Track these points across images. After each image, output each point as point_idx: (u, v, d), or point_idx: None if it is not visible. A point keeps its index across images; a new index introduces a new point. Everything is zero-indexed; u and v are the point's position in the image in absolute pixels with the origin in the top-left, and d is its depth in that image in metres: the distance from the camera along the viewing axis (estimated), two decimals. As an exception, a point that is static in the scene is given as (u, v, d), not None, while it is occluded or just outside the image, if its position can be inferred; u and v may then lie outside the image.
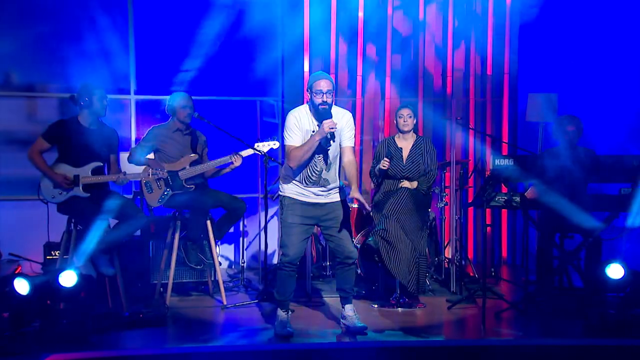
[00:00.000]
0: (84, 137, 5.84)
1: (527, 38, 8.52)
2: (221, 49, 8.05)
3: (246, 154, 6.26)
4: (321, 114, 5.07)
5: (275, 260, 7.90)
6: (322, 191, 5.24)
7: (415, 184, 6.40)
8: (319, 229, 5.48)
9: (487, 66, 8.52)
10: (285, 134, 5.19)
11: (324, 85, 5.09)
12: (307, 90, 5.18)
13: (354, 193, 5.20)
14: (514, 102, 8.54)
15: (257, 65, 8.13)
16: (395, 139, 6.60)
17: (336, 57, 8.27)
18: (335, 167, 5.29)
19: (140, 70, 7.95)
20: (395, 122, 6.58)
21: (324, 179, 5.20)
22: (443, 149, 8.38)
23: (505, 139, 8.40)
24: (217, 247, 7.01)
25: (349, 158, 5.30)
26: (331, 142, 5.10)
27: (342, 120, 5.24)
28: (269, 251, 7.46)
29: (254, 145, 6.27)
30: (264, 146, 6.25)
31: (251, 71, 8.13)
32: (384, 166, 6.31)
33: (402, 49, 8.42)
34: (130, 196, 7.18)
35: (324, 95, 5.07)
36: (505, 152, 8.20)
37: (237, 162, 6.18)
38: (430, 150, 6.51)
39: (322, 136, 5.01)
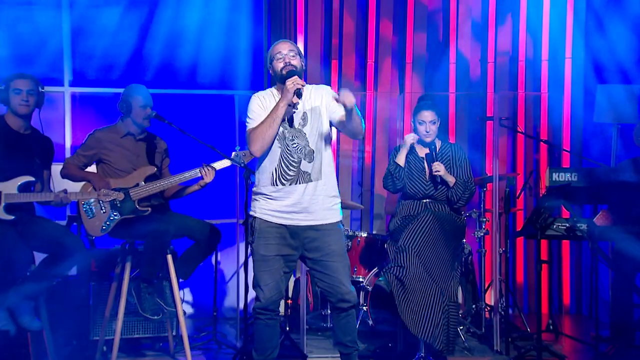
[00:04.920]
0: (13, 143, 5.82)
1: (596, 10, 8.49)
2: (185, 27, 8.02)
3: (220, 166, 6.21)
4: (286, 78, 5.04)
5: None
6: (303, 197, 5.12)
7: (451, 180, 6.35)
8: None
9: (542, 48, 8.51)
10: (247, 119, 5.18)
11: (283, 46, 5.15)
12: (268, 65, 5.23)
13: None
14: (578, 97, 8.51)
15: (233, 48, 8.11)
16: (415, 145, 6.56)
17: (340, 37, 8.26)
18: (321, 159, 5.17)
19: (78, 55, 7.92)
20: (412, 126, 6.53)
21: (304, 172, 5.10)
22: (482, 160, 8.35)
23: (566, 146, 8.38)
24: (181, 291, 6.94)
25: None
26: (296, 108, 5.06)
27: (318, 96, 5.19)
28: (250, 295, 7.40)
29: (230, 154, 6.21)
30: (244, 155, 6.20)
31: (226, 56, 8.11)
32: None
33: (428, 26, 8.41)
34: (64, 222, 7.12)
35: (286, 56, 5.11)
36: (566, 163, 8.17)
37: (208, 177, 6.14)
38: (462, 159, 6.48)
39: (288, 99, 4.97)
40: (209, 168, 6.15)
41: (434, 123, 6.39)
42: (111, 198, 5.87)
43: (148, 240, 6.15)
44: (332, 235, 5.17)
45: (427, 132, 6.39)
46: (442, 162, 6.38)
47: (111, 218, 6.09)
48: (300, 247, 5.15)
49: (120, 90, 6.28)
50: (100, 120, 7.40)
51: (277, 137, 5.05)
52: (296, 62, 5.09)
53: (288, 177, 5.08)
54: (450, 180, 6.33)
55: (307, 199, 5.10)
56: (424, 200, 6.41)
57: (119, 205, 6.07)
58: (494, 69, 8.48)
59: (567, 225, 5.95)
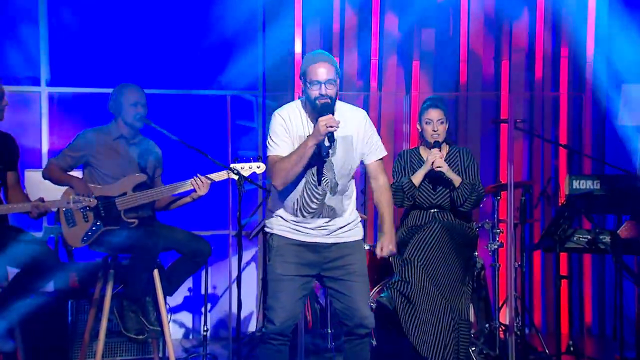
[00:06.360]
0: None
1: (620, 4, 8.45)
2: (173, 21, 8.01)
3: (218, 179, 6.19)
4: (320, 110, 4.97)
5: (252, 326, 7.86)
6: (328, 224, 5.12)
7: (457, 179, 6.30)
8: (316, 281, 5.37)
9: (561, 46, 8.50)
10: (269, 140, 5.10)
11: (322, 71, 5.00)
12: (300, 78, 5.12)
13: (385, 239, 5.17)
14: (600, 98, 8.49)
15: (225, 44, 8.10)
16: (421, 151, 6.55)
17: (341, 32, 8.25)
18: (347, 191, 5.21)
19: (57, 52, 7.91)
20: (419, 127, 6.51)
21: (328, 207, 5.11)
22: (496, 166, 8.33)
23: (587, 151, 8.36)
24: (168, 308, 6.90)
25: (378, 180, 5.28)
26: (330, 149, 5.03)
27: (353, 124, 5.16)
28: (244, 313, 7.37)
29: (223, 160, 6.18)
30: (242, 169, 6.17)
31: (218, 53, 8.11)
32: (438, 167, 6.19)
33: (437, 20, 8.41)
34: (40, 233, 7.08)
35: (323, 86, 4.98)
36: (587, 169, 8.13)
37: (202, 190, 6.13)
38: (470, 162, 6.49)
39: (318, 140, 4.92)
40: (203, 180, 6.11)
41: (442, 123, 6.37)
42: (82, 205, 5.81)
43: (135, 255, 6.15)
44: (355, 253, 5.21)
45: (434, 131, 6.36)
46: (450, 168, 6.35)
47: (93, 228, 6.08)
48: (319, 266, 5.15)
49: (103, 90, 6.27)
50: (81, 123, 7.37)
51: None
52: (332, 91, 5.00)
53: (310, 209, 5.09)
54: (455, 179, 6.30)
55: (330, 228, 5.14)
56: (432, 210, 6.39)
57: (103, 214, 6.05)
58: (508, 68, 8.46)
59: (589, 237, 5.92)
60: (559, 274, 8.16)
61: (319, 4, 8.17)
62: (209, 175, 6.11)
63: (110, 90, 6.33)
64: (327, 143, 4.94)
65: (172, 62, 8.03)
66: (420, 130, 6.49)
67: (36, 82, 7.86)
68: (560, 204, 7.74)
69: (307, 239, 5.12)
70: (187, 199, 6.29)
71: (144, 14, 7.94)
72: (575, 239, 5.98)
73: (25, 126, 7.67)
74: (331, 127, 4.85)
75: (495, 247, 7.07)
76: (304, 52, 8.04)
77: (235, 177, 6.08)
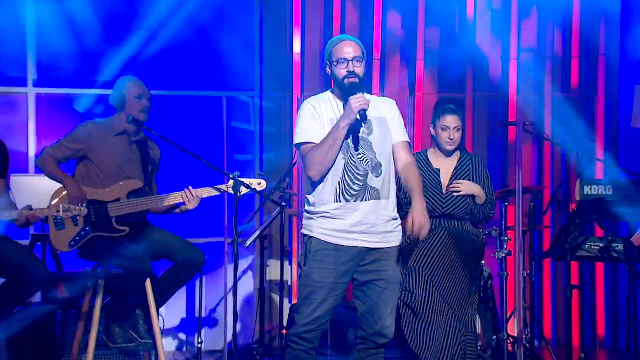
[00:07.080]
0: None
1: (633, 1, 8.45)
2: (168, 21, 7.98)
3: (210, 194, 6.16)
4: (349, 91, 4.99)
5: (249, 338, 7.87)
6: (373, 218, 5.05)
7: (482, 196, 6.26)
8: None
9: (572, 44, 8.48)
10: (298, 129, 5.11)
11: (348, 50, 5.04)
12: (326, 63, 5.15)
13: (416, 211, 4.97)
14: (612, 100, 8.47)
15: (222, 43, 8.08)
16: (429, 156, 6.49)
17: (342, 31, 8.22)
18: (390, 174, 5.16)
19: (45, 52, 7.89)
20: (432, 132, 6.45)
21: (372, 188, 5.06)
22: (504, 170, 8.31)
23: (599, 155, 8.29)
24: (161, 319, 6.87)
25: (404, 159, 5.18)
26: (364, 126, 5.01)
27: (384, 108, 5.18)
28: (240, 324, 7.33)
29: (217, 163, 6.16)
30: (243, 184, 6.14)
31: (213, 53, 8.10)
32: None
33: (442, 18, 8.38)
34: (27, 242, 7.04)
35: (350, 63, 5.01)
36: (599, 174, 8.10)
37: (191, 204, 6.16)
38: (483, 173, 6.45)
39: (351, 119, 4.92)
40: (194, 194, 6.09)
41: (459, 130, 6.33)
42: (72, 214, 5.76)
43: (126, 268, 6.12)
44: (390, 260, 5.15)
45: (450, 139, 6.31)
46: (461, 177, 6.32)
47: (82, 233, 6.05)
48: (354, 270, 5.11)
49: (93, 91, 6.23)
50: (70, 126, 7.32)
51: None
52: (361, 70, 5.03)
53: (353, 192, 5.03)
54: (480, 196, 6.26)
55: (372, 219, 5.05)
56: (440, 218, 6.34)
57: (94, 219, 6.02)
58: (516, 68, 8.43)
59: (601, 245, 5.88)
60: (569, 284, 8.08)
61: (319, 2, 8.15)
62: (200, 190, 6.13)
63: (101, 92, 6.33)
64: (359, 118, 4.91)
65: (166, 62, 8.02)
66: (433, 134, 6.43)
67: (23, 82, 7.85)
68: (571, 210, 7.71)
69: (347, 243, 5.07)
70: (177, 210, 6.28)
71: (135, 13, 7.93)
72: (586, 246, 5.95)
73: (12, 129, 7.65)
74: (363, 104, 4.88)
75: (503, 255, 7.02)
76: (303, 52, 8.04)
77: (234, 192, 6.05)
